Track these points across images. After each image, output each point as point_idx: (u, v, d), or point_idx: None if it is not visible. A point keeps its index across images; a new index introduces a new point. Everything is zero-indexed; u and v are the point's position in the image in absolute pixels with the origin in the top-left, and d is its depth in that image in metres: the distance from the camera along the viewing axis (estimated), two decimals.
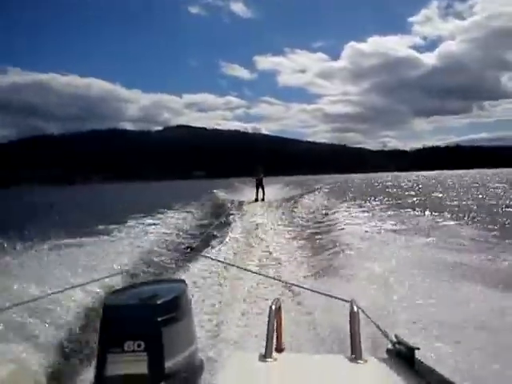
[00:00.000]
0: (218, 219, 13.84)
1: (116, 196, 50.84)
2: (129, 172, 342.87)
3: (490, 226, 10.45)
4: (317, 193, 26.18)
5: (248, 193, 24.98)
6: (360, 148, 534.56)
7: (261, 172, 23.22)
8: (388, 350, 1.78)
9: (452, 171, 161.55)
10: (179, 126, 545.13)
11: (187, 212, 16.93)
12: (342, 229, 10.76)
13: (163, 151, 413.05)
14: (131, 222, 13.09)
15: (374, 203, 18.87)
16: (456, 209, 15.68)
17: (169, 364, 1.83)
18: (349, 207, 16.36)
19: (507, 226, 10.97)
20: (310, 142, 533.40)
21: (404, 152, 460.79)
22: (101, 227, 11.66)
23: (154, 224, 13.08)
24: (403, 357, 1.63)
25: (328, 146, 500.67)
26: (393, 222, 11.32)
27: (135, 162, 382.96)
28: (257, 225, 12.90)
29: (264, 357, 1.73)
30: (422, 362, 1.54)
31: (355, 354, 1.71)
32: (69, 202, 39.39)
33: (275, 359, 1.72)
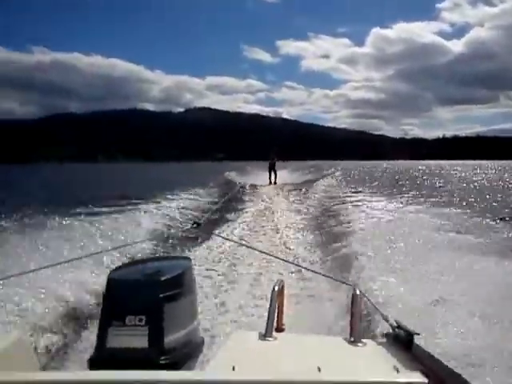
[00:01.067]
0: (226, 198, 13.86)
1: (135, 175, 51.50)
2: (150, 152, 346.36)
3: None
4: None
5: (263, 177, 24.90)
6: (380, 135, 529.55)
7: (274, 156, 23.49)
8: (387, 334, 1.78)
9: (473, 161, 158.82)
10: (201, 108, 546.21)
11: (199, 193, 17.14)
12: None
13: (185, 133, 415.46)
14: (144, 202, 13.08)
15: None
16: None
17: (169, 339, 1.85)
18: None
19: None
20: (330, 128, 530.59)
21: (424, 140, 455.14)
22: (110, 205, 11.71)
23: (167, 203, 13.08)
24: (402, 341, 1.61)
25: (348, 133, 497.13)
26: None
27: (157, 143, 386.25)
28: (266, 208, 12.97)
29: (264, 336, 1.74)
30: (420, 347, 1.53)
31: (354, 337, 1.70)
32: (91, 180, 40.20)
33: (275, 338, 1.73)
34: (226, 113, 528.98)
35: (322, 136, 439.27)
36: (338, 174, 29.75)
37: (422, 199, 14.49)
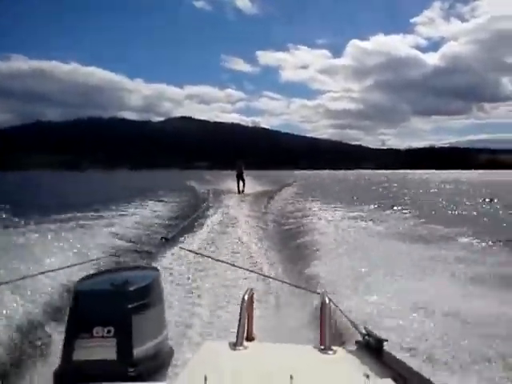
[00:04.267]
0: (197, 211, 13.80)
1: (110, 183, 51.02)
2: (131, 161, 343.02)
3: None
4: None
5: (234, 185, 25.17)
6: (358, 145, 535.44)
7: (241, 166, 23.87)
8: (357, 342, 1.77)
9: (442, 171, 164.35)
10: (181, 118, 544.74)
11: (170, 201, 17.15)
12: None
13: (165, 141, 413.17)
14: (111, 211, 12.99)
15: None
16: None
17: (137, 351, 1.82)
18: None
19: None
20: (308, 138, 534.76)
21: (397, 151, 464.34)
22: (79, 214, 11.44)
23: (134, 212, 12.96)
24: (372, 348, 1.62)
25: (326, 142, 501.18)
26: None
27: (137, 152, 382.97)
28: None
29: (234, 345, 1.72)
30: (390, 354, 1.54)
31: (324, 345, 1.70)
32: (58, 187, 39.51)
33: (246, 347, 1.72)
34: (206, 122, 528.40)
35: (300, 146, 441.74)
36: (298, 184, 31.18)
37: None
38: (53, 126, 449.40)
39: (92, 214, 11.87)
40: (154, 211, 13.86)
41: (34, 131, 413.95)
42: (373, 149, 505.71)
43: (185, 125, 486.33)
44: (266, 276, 5.60)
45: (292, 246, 8.39)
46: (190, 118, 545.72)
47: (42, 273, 3.91)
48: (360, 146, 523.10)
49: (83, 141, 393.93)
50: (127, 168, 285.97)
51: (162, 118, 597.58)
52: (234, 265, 5.54)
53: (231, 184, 24.77)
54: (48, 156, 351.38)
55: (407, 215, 13.29)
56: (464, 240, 8.46)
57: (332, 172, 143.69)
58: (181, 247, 7.27)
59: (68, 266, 3.79)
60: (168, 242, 4.17)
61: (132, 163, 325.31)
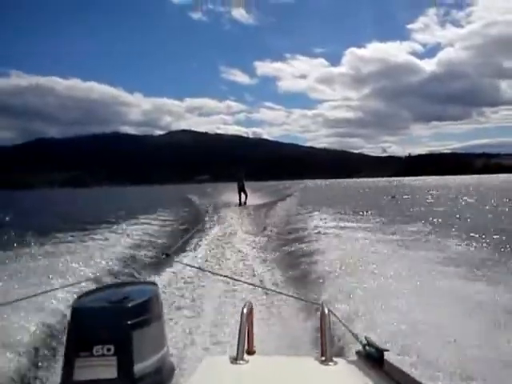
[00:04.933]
0: (197, 225, 13.84)
1: (111, 199, 51.12)
2: (132, 175, 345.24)
3: None
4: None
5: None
6: (359, 153, 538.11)
7: (242, 178, 23.73)
8: (358, 352, 1.75)
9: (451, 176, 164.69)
10: (182, 131, 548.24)
11: (170, 216, 17.19)
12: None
13: (167, 155, 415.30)
14: (108, 227, 12.97)
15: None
16: None
17: (138, 368, 1.79)
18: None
19: None
20: (309, 147, 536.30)
21: (399, 158, 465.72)
22: (78, 232, 11.62)
23: (135, 227, 13.05)
24: (373, 358, 1.60)
25: (327, 152, 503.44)
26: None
27: (140, 166, 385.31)
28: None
29: (235, 359, 1.70)
30: (391, 364, 1.53)
31: (325, 356, 1.69)
32: (62, 204, 39.80)
33: (246, 361, 1.70)
34: (207, 134, 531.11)
35: (302, 156, 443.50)
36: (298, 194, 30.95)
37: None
38: (54, 142, 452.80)
39: (88, 230, 11.96)
40: (154, 225, 13.95)
41: (37, 148, 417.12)
42: (374, 157, 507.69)
43: (186, 138, 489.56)
44: (266, 288, 5.57)
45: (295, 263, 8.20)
46: (190, 131, 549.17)
47: (41, 293, 3.87)
48: (361, 155, 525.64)
49: (85, 157, 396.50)
50: (129, 183, 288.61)
51: (162, 132, 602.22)
52: (233, 278, 5.52)
53: (232, 197, 24.77)
54: (52, 173, 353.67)
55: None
56: None
57: (335, 181, 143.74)
58: (180, 262, 7.27)
59: (65, 286, 3.77)
60: (169, 257, 4.13)
61: (133, 178, 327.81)
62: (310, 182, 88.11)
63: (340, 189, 55.33)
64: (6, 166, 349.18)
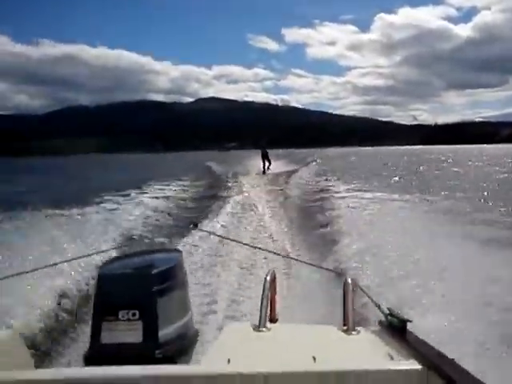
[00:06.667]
0: (221, 192, 14.08)
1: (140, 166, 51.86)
2: (165, 142, 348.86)
3: None
4: None
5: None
6: (389, 121, 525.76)
7: (264, 145, 23.76)
8: (380, 322, 1.73)
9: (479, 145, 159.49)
10: (211, 98, 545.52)
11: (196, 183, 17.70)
12: None
13: (195, 122, 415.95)
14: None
15: None
16: None
17: (163, 333, 1.84)
18: None
19: None
20: (338, 115, 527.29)
21: (430, 126, 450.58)
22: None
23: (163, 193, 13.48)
24: (395, 329, 1.58)
25: (356, 119, 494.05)
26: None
27: (169, 133, 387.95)
28: None
29: (258, 327, 1.72)
30: (413, 334, 1.52)
31: (347, 326, 1.69)
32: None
33: (269, 329, 1.72)
34: (235, 102, 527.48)
35: (331, 123, 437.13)
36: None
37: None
38: (87, 110, 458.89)
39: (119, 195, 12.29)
40: (181, 191, 14.41)
41: (69, 116, 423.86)
42: (402, 125, 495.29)
43: (214, 105, 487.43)
44: (289, 257, 5.57)
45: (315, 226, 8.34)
46: (218, 99, 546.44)
47: (66, 261, 3.95)
48: (391, 123, 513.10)
49: (116, 125, 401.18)
50: (161, 150, 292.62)
51: (191, 99, 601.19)
52: (256, 247, 5.54)
53: (256, 164, 24.64)
54: (82, 140, 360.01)
55: None
56: None
57: (363, 149, 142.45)
58: (205, 230, 7.33)
59: (89, 255, 3.84)
60: (196, 227, 4.14)
61: (165, 145, 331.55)
62: (336, 150, 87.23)
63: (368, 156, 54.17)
64: (38, 132, 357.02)
